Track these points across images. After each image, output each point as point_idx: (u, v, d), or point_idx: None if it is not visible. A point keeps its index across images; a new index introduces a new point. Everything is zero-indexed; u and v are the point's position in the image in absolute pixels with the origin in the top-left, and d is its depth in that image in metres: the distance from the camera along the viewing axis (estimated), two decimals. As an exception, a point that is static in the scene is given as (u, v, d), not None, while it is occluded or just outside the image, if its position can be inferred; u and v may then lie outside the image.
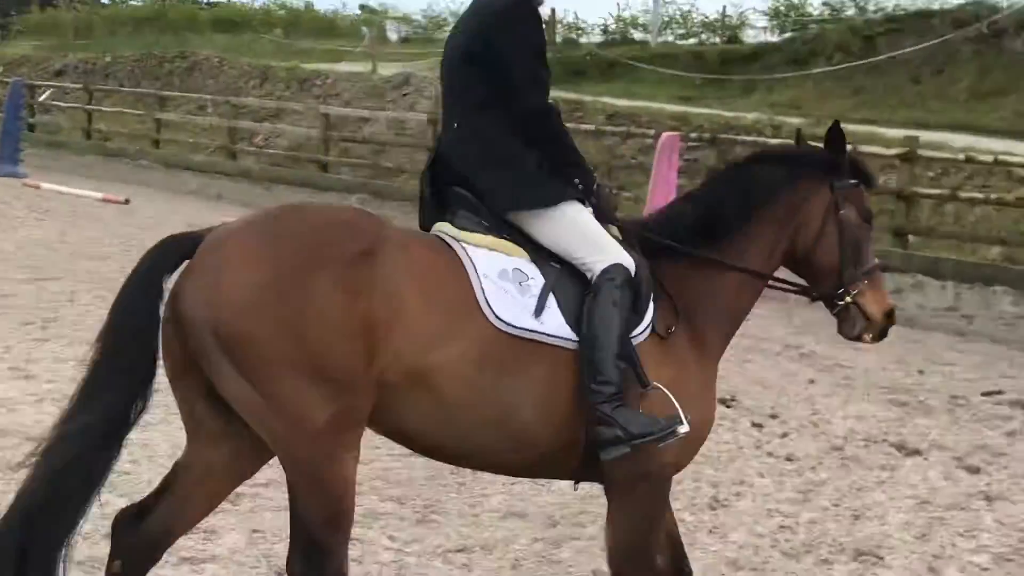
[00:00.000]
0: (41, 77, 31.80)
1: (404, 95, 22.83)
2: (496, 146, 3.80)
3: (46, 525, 3.33)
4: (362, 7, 46.37)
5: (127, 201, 16.10)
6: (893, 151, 13.71)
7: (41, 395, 6.22)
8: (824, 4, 33.80)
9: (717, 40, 34.54)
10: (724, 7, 36.08)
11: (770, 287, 4.17)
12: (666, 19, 35.93)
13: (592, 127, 17.58)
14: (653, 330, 3.69)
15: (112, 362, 3.45)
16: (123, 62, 31.10)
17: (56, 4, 58.16)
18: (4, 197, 15.83)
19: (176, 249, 3.57)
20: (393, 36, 43.16)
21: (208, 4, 54.51)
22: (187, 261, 3.50)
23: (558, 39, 34.21)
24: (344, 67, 27.32)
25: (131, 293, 3.49)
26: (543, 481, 5.12)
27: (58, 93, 29.01)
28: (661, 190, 10.96)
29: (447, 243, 3.68)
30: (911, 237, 13.33)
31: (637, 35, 36.80)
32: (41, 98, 28.84)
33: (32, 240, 12.02)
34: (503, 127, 3.80)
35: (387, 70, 26.22)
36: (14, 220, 13.52)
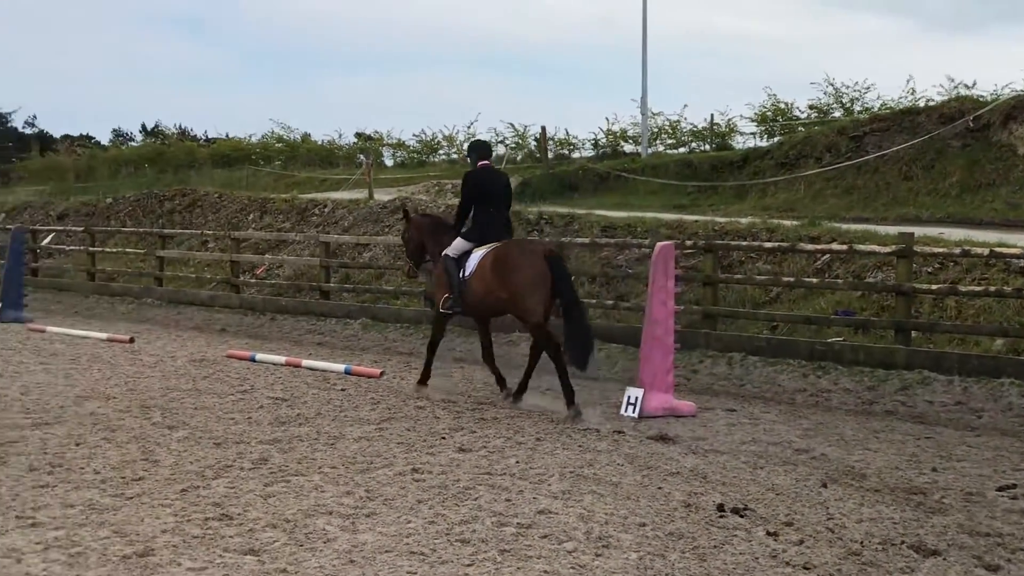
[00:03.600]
0: (43, 221, 32.17)
1: (400, 219, 23.04)
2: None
3: None
4: (358, 135, 47.03)
5: (132, 340, 16.17)
6: (889, 248, 13.80)
7: (47, 543, 6.17)
8: (811, 107, 34.35)
9: (707, 148, 35.03)
10: (712, 115, 36.66)
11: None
12: (655, 130, 36.47)
13: (587, 240, 17.71)
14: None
15: None
16: (124, 202, 31.49)
17: (56, 149, 59.08)
18: (9, 343, 15.90)
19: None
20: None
21: (207, 141, 55.36)
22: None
23: (550, 155, 34.70)
24: (342, 195, 27.66)
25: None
26: None
27: (60, 237, 29.31)
28: (659, 298, 10.99)
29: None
30: (913, 333, 13.34)
31: (627, 147, 37.36)
32: (44, 242, 29.14)
33: (37, 384, 12.03)
34: None
35: (384, 195, 26.56)
36: (19, 365, 13.55)
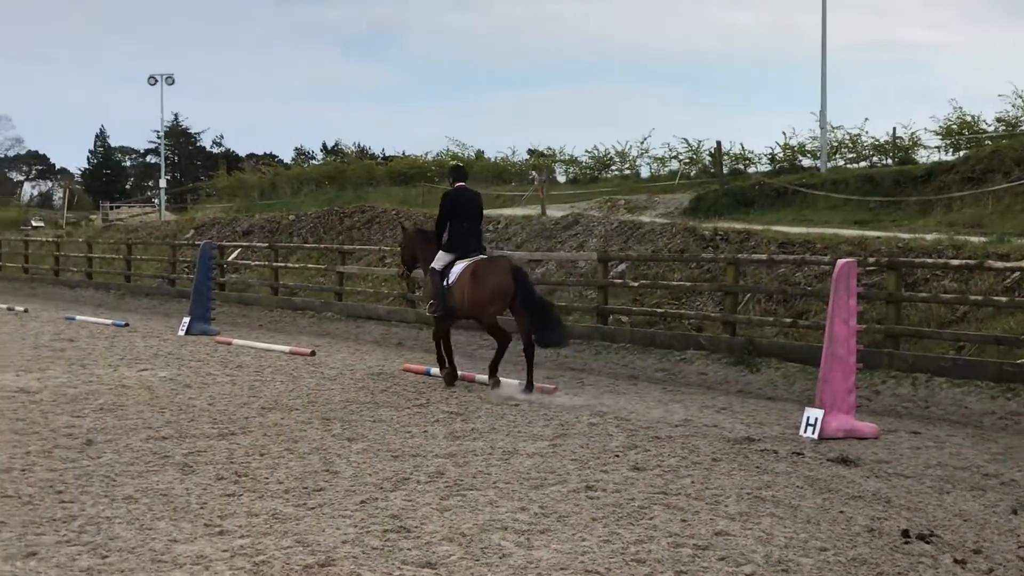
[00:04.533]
0: (230, 237, 33.36)
1: (574, 235, 23.09)
2: None
3: None
4: (530, 151, 47.38)
5: (313, 353, 16.62)
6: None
7: (233, 551, 6.35)
8: (998, 120, 33.01)
9: (889, 162, 34.02)
10: (894, 128, 35.62)
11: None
12: (834, 144, 35.65)
13: (764, 256, 17.40)
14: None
15: None
16: (306, 219, 32.42)
17: (242, 168, 61.34)
18: (198, 355, 16.54)
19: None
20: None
21: (384, 159, 56.62)
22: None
23: (725, 170, 34.26)
24: (515, 211, 27.87)
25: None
26: None
27: (246, 252, 30.37)
28: (840, 316, 10.69)
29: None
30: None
31: (805, 162, 36.57)
32: (230, 258, 30.23)
33: (224, 395, 12.47)
34: None
35: (556, 211, 26.64)
36: (207, 377, 14.06)
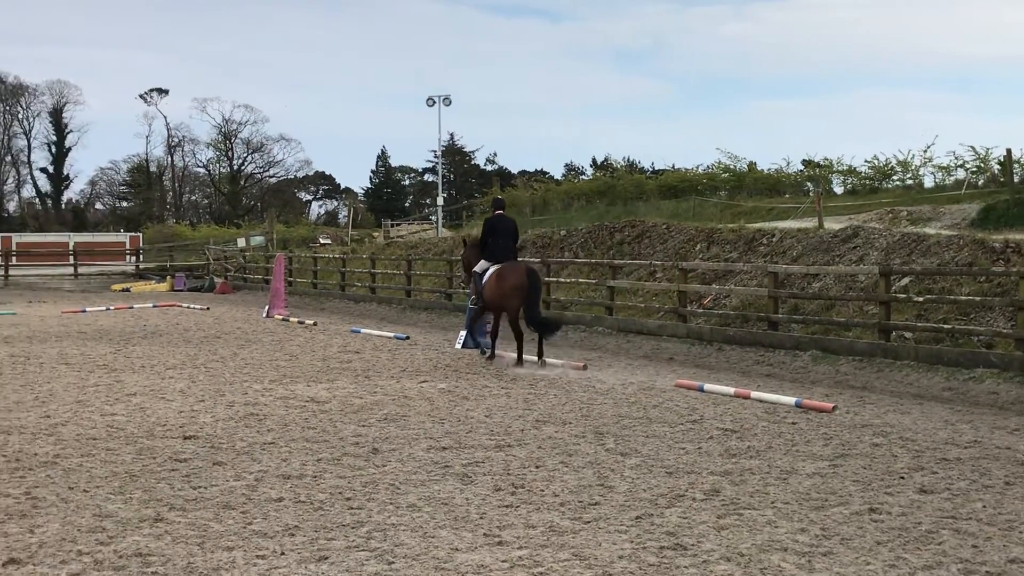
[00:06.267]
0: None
1: (853, 248, 22.35)
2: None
3: None
4: (805, 163, 46.23)
5: (584, 367, 16.74)
6: None
7: (512, 562, 6.45)
8: None
9: None
10: None
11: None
12: None
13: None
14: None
15: None
16: (576, 234, 32.76)
17: (515, 184, 62.72)
18: (473, 367, 16.97)
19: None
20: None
21: (653, 173, 56.62)
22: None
23: (1015, 178, 32.38)
24: (790, 224, 27.26)
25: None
26: None
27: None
28: None
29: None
30: None
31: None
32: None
33: (499, 407, 12.73)
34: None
35: (834, 224, 25.88)
36: (483, 389, 14.40)
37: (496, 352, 18.08)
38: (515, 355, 17.46)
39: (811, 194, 32.91)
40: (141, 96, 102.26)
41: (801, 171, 45.58)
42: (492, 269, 17.52)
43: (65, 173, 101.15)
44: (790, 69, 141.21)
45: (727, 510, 7.77)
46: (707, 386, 14.44)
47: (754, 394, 13.72)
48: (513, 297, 17.07)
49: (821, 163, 45.15)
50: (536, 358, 17.09)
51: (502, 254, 17.72)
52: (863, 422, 11.94)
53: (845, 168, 43.75)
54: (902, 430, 11.41)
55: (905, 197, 34.59)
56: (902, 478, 8.98)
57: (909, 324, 17.85)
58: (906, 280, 19.62)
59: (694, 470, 9.20)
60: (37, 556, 6.57)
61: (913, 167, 40.01)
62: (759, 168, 46.37)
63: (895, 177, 41.56)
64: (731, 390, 14.13)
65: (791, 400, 13.16)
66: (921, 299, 17.99)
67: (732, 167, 46.44)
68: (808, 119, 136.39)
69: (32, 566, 6.38)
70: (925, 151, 39.74)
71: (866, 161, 42.73)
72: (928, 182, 40.85)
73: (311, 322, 26.02)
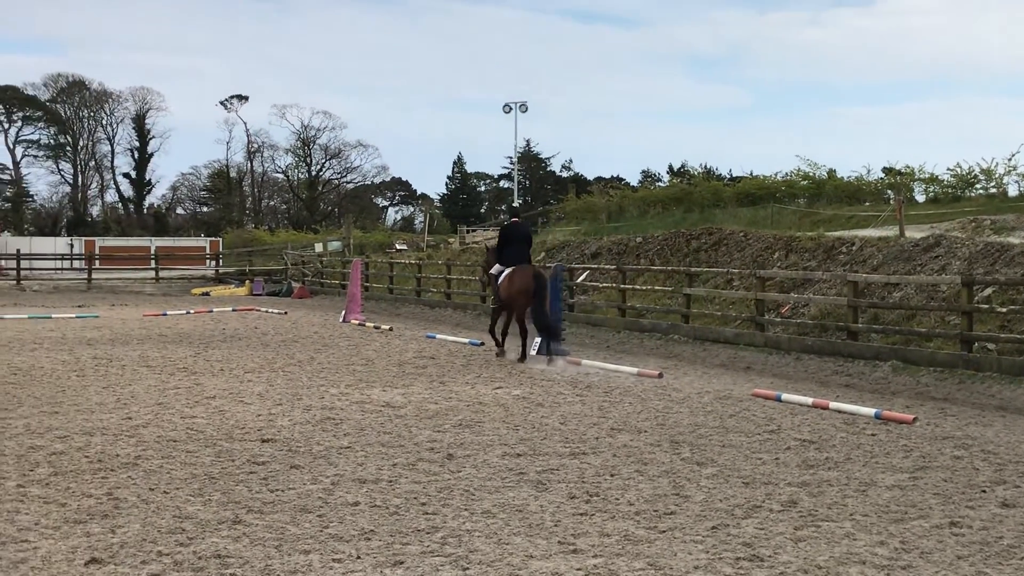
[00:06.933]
0: (578, 260, 34.09)
1: (934, 257, 21.99)
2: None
3: None
4: (886, 170, 45.52)
5: (660, 375, 16.66)
6: None
7: (587, 570, 6.44)
8: None
9: None
10: None
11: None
12: None
13: None
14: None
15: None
16: (653, 241, 32.62)
17: (590, 191, 62.63)
18: (549, 374, 16.97)
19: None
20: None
21: (731, 180, 56.18)
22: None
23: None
24: (870, 232, 26.88)
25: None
26: None
27: (594, 274, 30.91)
28: None
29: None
30: None
31: None
32: (579, 280, 30.87)
33: (574, 415, 12.71)
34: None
35: (915, 232, 25.47)
36: (557, 396, 14.39)
37: (505, 348, 19.68)
38: (522, 352, 19.09)
39: (892, 202, 32.39)
40: (222, 103, 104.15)
41: (882, 179, 44.83)
42: (505, 272, 19.04)
43: (147, 178, 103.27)
44: (869, 76, 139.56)
45: (804, 522, 7.68)
46: (785, 396, 14.29)
47: (833, 404, 13.54)
48: (520, 297, 18.67)
49: (902, 171, 44.38)
50: (545, 356, 18.72)
51: (515, 258, 19.14)
52: (944, 434, 11.74)
53: (927, 176, 42.93)
54: (984, 443, 11.20)
55: (988, 206, 33.88)
56: (984, 492, 8.81)
57: (992, 335, 17.52)
58: (989, 290, 19.26)
59: (771, 481, 9.11)
60: (118, 556, 6.70)
61: (997, 175, 39.14)
62: (838, 176, 45.66)
63: (978, 185, 40.69)
64: (809, 400, 13.96)
65: (871, 411, 12.97)
66: (1004, 310, 17.64)
67: (811, 174, 45.79)
68: (889, 126, 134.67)
69: (113, 566, 6.50)
70: (1010, 159, 38.71)
71: (948, 169, 41.82)
72: (1012, 191, 39.95)
73: (387, 327, 26.21)
